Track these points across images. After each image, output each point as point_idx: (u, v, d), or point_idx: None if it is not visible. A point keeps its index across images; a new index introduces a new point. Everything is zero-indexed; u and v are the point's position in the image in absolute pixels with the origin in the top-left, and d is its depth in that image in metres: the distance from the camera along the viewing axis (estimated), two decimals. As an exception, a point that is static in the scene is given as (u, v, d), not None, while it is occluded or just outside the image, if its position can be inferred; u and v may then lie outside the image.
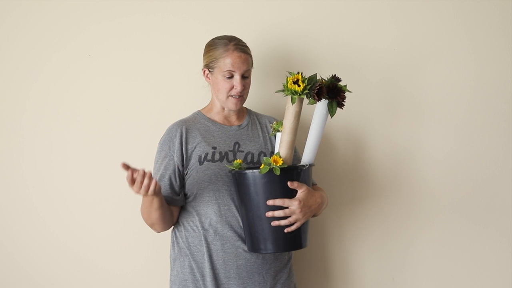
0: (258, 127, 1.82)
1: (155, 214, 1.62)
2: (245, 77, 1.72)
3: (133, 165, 1.50)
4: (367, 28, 2.08)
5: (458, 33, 2.09)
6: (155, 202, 1.59)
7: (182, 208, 1.72)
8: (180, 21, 2.03)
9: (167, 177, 1.68)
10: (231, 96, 1.71)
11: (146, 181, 1.49)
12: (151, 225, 1.69)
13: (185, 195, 1.71)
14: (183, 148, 1.70)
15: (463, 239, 2.09)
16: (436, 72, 2.08)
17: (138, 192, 1.51)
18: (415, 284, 2.08)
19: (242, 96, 1.72)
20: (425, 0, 2.07)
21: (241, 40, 1.75)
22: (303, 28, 2.06)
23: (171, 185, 1.68)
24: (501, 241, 2.10)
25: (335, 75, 1.55)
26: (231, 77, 1.70)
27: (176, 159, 1.69)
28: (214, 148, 1.71)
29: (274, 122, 1.71)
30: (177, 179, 1.68)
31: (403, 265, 2.08)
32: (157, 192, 1.53)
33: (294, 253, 1.81)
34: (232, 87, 1.70)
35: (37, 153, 2.03)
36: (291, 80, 1.49)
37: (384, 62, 2.08)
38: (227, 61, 1.68)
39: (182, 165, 1.69)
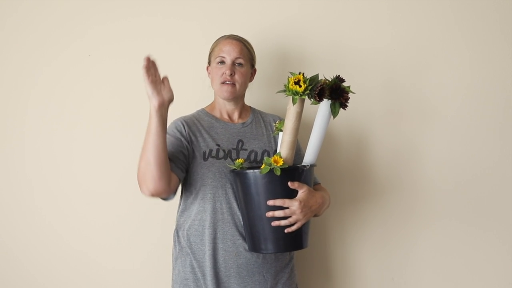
0: (262, 125, 1.81)
1: (152, 145, 1.48)
2: (239, 64, 1.72)
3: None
4: (367, 27, 2.06)
5: (460, 32, 2.07)
6: (159, 123, 1.47)
7: (184, 206, 1.71)
8: (179, 23, 2.04)
9: (173, 138, 1.64)
10: (223, 83, 1.71)
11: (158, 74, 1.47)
12: (146, 167, 1.50)
13: (187, 191, 1.69)
14: (188, 138, 1.68)
15: (464, 241, 2.08)
16: (438, 71, 2.07)
17: (150, 80, 1.45)
18: (415, 285, 2.07)
19: (234, 84, 1.72)
20: (425, -1, 2.07)
21: (241, 36, 1.77)
22: (302, 28, 2.06)
23: (177, 140, 1.63)
24: (502, 243, 2.08)
25: (338, 75, 1.53)
26: (223, 63, 1.72)
27: (185, 139, 1.67)
28: (218, 145, 1.71)
29: (277, 122, 1.70)
30: (185, 148, 1.65)
31: (404, 265, 2.08)
32: (166, 101, 1.48)
33: (296, 253, 1.81)
34: (223, 74, 1.71)
35: (40, 152, 2.05)
36: (293, 81, 1.47)
37: (384, 61, 2.06)
38: (220, 47, 1.73)
39: (188, 148, 1.66)
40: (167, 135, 1.60)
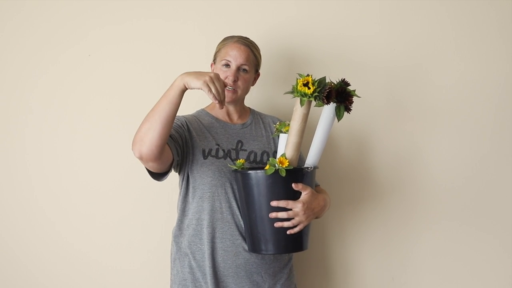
0: (262, 126, 1.82)
1: (163, 111, 1.45)
2: (243, 70, 1.72)
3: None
4: (368, 28, 2.08)
5: (461, 33, 2.09)
6: (179, 96, 1.46)
7: (183, 205, 1.69)
8: (180, 24, 2.04)
9: (176, 123, 1.65)
10: (225, 87, 1.70)
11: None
12: (148, 129, 1.46)
13: (186, 190, 1.68)
14: (188, 133, 1.68)
15: (464, 242, 2.10)
16: (439, 72, 2.08)
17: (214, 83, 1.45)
18: (415, 285, 2.09)
19: (235, 89, 1.71)
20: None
21: (250, 39, 1.76)
22: (302, 29, 2.06)
23: (179, 127, 1.65)
24: (502, 245, 2.11)
25: (344, 79, 1.54)
26: (228, 66, 1.70)
27: (186, 131, 1.67)
28: (218, 145, 1.70)
29: (277, 123, 1.70)
30: (184, 136, 1.65)
31: (404, 265, 2.09)
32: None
33: (295, 253, 1.81)
34: (226, 78, 1.70)
35: (41, 152, 2.03)
36: (301, 82, 1.47)
37: (386, 62, 2.08)
38: (226, 50, 1.71)
39: (187, 139, 1.66)
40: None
